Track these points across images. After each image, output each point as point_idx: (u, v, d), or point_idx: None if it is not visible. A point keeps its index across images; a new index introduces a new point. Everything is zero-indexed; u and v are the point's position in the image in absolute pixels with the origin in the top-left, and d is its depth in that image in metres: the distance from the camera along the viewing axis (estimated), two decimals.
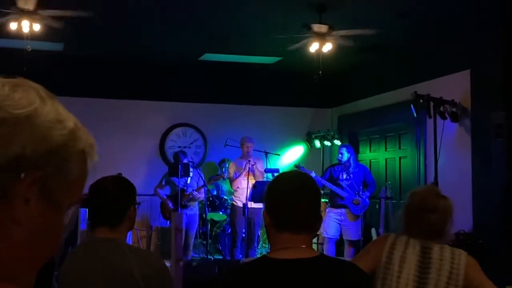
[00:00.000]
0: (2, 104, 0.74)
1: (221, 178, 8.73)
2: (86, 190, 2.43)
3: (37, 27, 6.54)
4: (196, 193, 8.03)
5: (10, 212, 0.73)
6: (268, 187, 2.02)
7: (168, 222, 8.20)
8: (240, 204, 8.09)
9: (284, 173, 2.22)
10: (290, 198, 1.93)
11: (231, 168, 8.28)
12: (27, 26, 6.44)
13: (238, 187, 8.17)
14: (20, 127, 0.73)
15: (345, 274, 1.91)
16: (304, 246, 1.91)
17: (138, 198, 9.10)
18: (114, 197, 2.38)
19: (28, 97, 0.76)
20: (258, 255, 7.50)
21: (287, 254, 1.88)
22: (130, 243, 8.53)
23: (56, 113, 0.77)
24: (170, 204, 7.93)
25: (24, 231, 0.74)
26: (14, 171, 0.72)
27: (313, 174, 7.79)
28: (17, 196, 0.73)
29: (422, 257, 2.66)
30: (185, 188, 8.00)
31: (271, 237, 1.98)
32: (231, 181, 8.25)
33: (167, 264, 6.25)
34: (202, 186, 8.10)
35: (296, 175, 2.12)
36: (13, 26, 6.49)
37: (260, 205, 7.53)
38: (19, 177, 0.73)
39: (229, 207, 8.87)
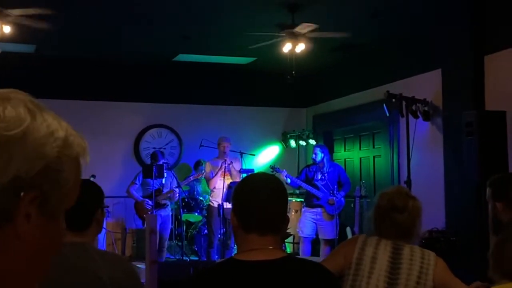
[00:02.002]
0: None
1: (200, 176, 8.70)
2: None
3: (7, 29, 6.46)
4: (176, 189, 8.01)
5: (15, 231, 0.74)
6: (235, 189, 2.03)
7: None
8: (215, 205, 8.08)
9: (252, 175, 2.23)
10: (257, 200, 1.94)
11: (207, 168, 8.27)
12: None
13: (214, 187, 8.16)
14: (14, 148, 0.73)
15: (312, 275, 1.92)
16: (271, 247, 1.92)
17: (112, 200, 8.95)
18: (80, 201, 2.36)
19: (18, 115, 0.75)
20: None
21: (254, 255, 1.89)
22: (104, 246, 8.53)
23: (46, 125, 0.77)
24: (150, 203, 7.86)
25: (27, 247, 0.75)
26: (14, 191, 0.73)
27: (284, 173, 7.84)
28: (19, 214, 0.74)
29: (392, 257, 2.68)
30: (161, 188, 7.97)
31: (238, 239, 1.99)
32: (208, 180, 8.24)
33: (142, 266, 6.23)
34: (177, 186, 8.09)
35: (263, 177, 2.12)
36: None
37: None
38: (19, 196, 0.73)
39: (204, 208, 8.85)
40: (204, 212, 8.79)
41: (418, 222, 2.79)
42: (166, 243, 8.11)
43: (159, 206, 7.92)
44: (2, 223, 0.74)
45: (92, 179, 7.61)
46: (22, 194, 0.74)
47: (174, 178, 8.18)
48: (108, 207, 7.93)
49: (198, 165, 9.29)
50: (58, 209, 0.79)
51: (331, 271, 2.68)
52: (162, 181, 8.01)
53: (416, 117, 7.47)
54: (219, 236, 8.18)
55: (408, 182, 7.06)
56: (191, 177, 8.61)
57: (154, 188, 7.79)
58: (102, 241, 8.35)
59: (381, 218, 2.78)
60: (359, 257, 2.70)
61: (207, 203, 8.45)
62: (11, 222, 0.74)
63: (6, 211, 0.73)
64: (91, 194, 2.43)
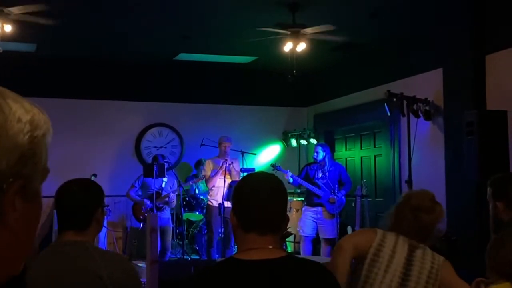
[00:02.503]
0: None
1: (200, 181, 8.71)
2: (54, 193, 2.42)
3: (8, 28, 6.46)
4: (173, 195, 7.99)
5: (3, 223, 0.75)
6: (235, 188, 2.03)
7: (141, 224, 8.14)
8: (215, 204, 8.08)
9: (251, 174, 2.23)
10: (257, 199, 1.94)
11: (208, 166, 8.26)
12: None
13: (214, 186, 8.16)
14: None
15: (312, 274, 1.92)
16: (270, 247, 1.92)
17: (113, 199, 8.91)
18: (81, 200, 2.37)
19: None
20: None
21: (254, 255, 1.89)
22: (105, 245, 8.53)
23: (13, 114, 0.76)
24: (149, 203, 7.84)
25: (15, 235, 0.77)
26: None
27: (289, 174, 7.82)
28: (7, 207, 0.75)
29: (408, 255, 2.73)
30: (160, 191, 7.94)
31: (237, 238, 1.99)
32: (207, 179, 8.24)
33: (143, 265, 6.22)
34: (178, 189, 8.06)
35: (263, 176, 2.12)
36: None
37: None
38: (3, 190, 0.74)
39: (205, 207, 8.85)
40: (205, 211, 8.79)
41: (438, 225, 2.84)
42: (169, 244, 8.08)
43: (157, 209, 7.89)
44: None
45: (93, 178, 7.61)
46: (5, 186, 0.74)
47: (175, 179, 8.15)
48: (108, 206, 7.92)
49: (199, 164, 9.29)
50: (37, 190, 0.81)
51: (357, 246, 2.72)
52: (162, 184, 7.96)
53: (417, 116, 7.47)
54: (219, 235, 8.18)
55: (409, 181, 7.06)
56: (190, 182, 8.60)
57: (155, 189, 7.77)
58: (103, 239, 8.36)
59: (405, 216, 2.81)
60: (378, 248, 2.73)
61: (206, 203, 8.45)
62: (1, 216, 0.75)
63: None
64: (92, 193, 2.44)
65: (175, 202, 8.16)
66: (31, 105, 0.80)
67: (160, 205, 7.92)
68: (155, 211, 7.69)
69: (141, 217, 7.92)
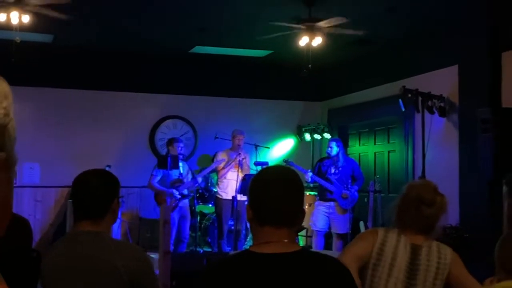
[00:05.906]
0: None
1: (214, 171, 8.69)
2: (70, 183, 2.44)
3: (26, 18, 6.49)
4: (198, 179, 8.02)
5: None
6: (251, 181, 2.03)
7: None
8: (224, 196, 8.11)
9: (268, 167, 2.23)
10: (272, 192, 1.94)
11: (220, 156, 8.30)
12: (16, 17, 6.40)
13: (224, 178, 8.18)
14: None
15: (326, 268, 1.92)
16: (286, 241, 1.92)
17: (127, 190, 8.89)
18: (97, 191, 2.39)
19: None
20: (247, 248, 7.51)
21: (268, 248, 1.89)
22: (119, 236, 8.59)
23: None
24: (176, 193, 7.81)
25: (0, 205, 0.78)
26: None
27: (309, 174, 7.81)
28: None
29: (411, 258, 2.68)
30: (181, 178, 7.93)
31: (254, 231, 1.99)
32: (219, 170, 8.24)
33: (155, 256, 6.26)
34: (193, 178, 8.10)
35: (279, 170, 2.12)
36: (1, 17, 6.44)
37: None
38: None
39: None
40: (215, 203, 8.80)
41: (442, 218, 2.78)
42: (187, 233, 8.05)
43: (183, 196, 7.90)
44: None
45: (107, 169, 7.64)
46: None
47: (190, 170, 8.16)
48: (123, 197, 7.95)
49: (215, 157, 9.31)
50: (15, 159, 0.81)
51: (358, 256, 2.68)
52: (180, 171, 7.95)
53: (432, 112, 7.44)
54: (229, 227, 8.21)
55: (423, 177, 7.03)
56: (204, 172, 8.59)
57: (175, 177, 7.79)
58: (116, 230, 8.42)
59: (407, 209, 2.75)
60: (379, 253, 2.69)
61: (215, 195, 8.46)
62: None
63: None
64: (108, 184, 2.46)
65: (195, 187, 8.19)
66: None
67: (185, 193, 7.92)
68: (178, 198, 7.73)
69: (161, 206, 7.95)
